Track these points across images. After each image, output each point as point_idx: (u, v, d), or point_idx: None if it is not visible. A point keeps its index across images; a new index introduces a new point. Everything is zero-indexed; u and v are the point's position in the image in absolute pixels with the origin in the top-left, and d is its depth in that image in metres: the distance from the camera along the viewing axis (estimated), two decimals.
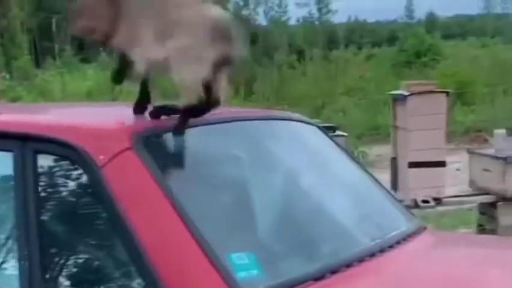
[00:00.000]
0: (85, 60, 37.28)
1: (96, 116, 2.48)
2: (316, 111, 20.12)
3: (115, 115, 2.51)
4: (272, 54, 39.27)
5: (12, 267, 2.10)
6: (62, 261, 2.07)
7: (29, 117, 2.38)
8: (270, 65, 34.12)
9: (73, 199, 2.10)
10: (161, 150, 2.10)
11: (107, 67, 25.05)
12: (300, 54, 36.56)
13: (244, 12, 57.88)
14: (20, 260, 2.05)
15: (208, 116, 2.22)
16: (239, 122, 2.52)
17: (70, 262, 2.07)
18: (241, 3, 57.74)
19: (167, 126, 2.16)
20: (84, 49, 49.62)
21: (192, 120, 2.17)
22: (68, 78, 24.89)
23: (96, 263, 2.04)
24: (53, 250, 2.06)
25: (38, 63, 36.09)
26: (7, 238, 2.14)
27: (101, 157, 1.95)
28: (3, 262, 2.15)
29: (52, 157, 2.07)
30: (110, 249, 2.02)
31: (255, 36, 48.89)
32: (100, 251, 2.04)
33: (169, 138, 2.14)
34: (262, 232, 2.28)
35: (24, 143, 2.07)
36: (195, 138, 2.24)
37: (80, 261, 2.06)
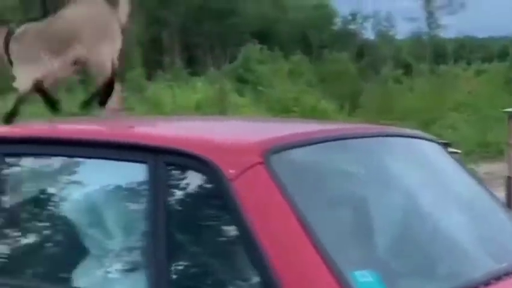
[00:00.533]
0: (194, 74, 38.04)
1: (226, 130, 2.55)
2: (425, 126, 19.76)
3: (245, 129, 2.58)
4: (378, 68, 38.93)
5: (139, 274, 2.17)
6: (188, 270, 2.12)
7: (161, 131, 2.47)
8: (376, 80, 33.81)
9: (202, 211, 2.16)
10: (290, 166, 2.13)
11: (215, 81, 25.55)
12: (407, 68, 36.08)
13: (352, 26, 57.76)
14: (147, 267, 2.12)
15: (334, 132, 2.25)
16: (364, 138, 2.53)
17: (196, 271, 2.12)
18: (350, 18, 57.69)
19: (296, 142, 2.20)
20: (193, 63, 50.66)
21: (318, 137, 2.23)
22: (177, 91, 25.45)
23: (221, 273, 2.08)
24: (180, 259, 2.11)
25: (148, 76, 37.10)
26: (137, 245, 2.22)
27: (232, 171, 2.00)
28: (131, 269, 2.23)
29: (184, 170, 2.13)
30: (236, 260, 2.05)
31: (361, 51, 48.65)
32: (225, 261, 2.08)
33: (297, 154, 2.18)
34: (383, 250, 2.27)
35: (158, 156, 2.15)
36: (321, 154, 2.28)
37: (206, 270, 2.10)
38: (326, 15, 57.27)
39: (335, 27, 58.46)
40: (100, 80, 2.90)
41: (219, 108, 19.30)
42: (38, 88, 3.02)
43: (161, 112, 20.40)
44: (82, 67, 3.09)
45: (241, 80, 34.74)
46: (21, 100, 2.98)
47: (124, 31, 2.99)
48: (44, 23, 3.02)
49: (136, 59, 42.32)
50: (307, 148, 2.26)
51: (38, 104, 3.05)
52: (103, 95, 2.93)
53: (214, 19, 55.85)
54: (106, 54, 2.91)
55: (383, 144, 2.63)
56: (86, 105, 2.98)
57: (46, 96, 3.04)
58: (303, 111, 24.62)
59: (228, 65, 40.54)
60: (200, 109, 21.77)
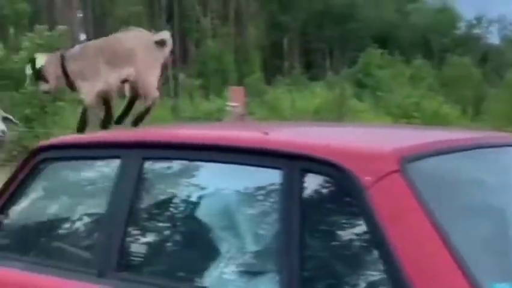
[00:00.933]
0: (313, 78, 38.20)
1: (361, 137, 2.56)
2: None
3: (379, 137, 2.58)
4: (503, 73, 37.76)
5: (271, 275, 2.20)
6: (320, 274, 2.13)
7: (296, 137, 2.49)
8: (501, 85, 32.83)
9: (336, 216, 2.17)
10: (425, 174, 2.11)
11: (334, 85, 25.62)
12: None
13: (477, 30, 56.27)
14: (279, 270, 2.14)
15: (468, 141, 2.23)
16: (499, 147, 2.50)
17: (328, 275, 2.12)
18: (474, 22, 56.24)
19: (432, 150, 2.19)
20: (312, 67, 50.82)
21: (453, 145, 2.21)
22: (296, 95, 25.63)
23: (353, 277, 2.08)
24: (312, 262, 2.13)
25: (268, 81, 37.56)
26: (269, 248, 2.25)
27: (367, 178, 2.00)
28: (262, 270, 2.27)
29: (319, 176, 2.15)
30: (368, 265, 2.04)
31: (485, 55, 47.36)
32: (358, 266, 2.07)
33: (432, 162, 2.16)
34: None
35: (293, 162, 2.17)
36: (456, 163, 2.25)
37: (338, 275, 2.10)
38: (449, 19, 56.10)
39: (458, 32, 57.16)
40: (147, 101, 3.25)
41: (338, 113, 19.29)
42: (104, 99, 3.38)
43: (281, 116, 20.60)
44: (130, 86, 3.47)
45: (360, 85, 34.66)
46: (86, 112, 3.36)
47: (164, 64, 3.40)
48: (101, 41, 3.42)
49: (256, 63, 42.99)
50: (443, 157, 2.24)
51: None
52: (142, 115, 3.32)
53: (335, 24, 55.86)
54: (153, 78, 3.29)
55: None
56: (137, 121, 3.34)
57: (109, 108, 3.36)
58: (424, 116, 24.23)
59: (347, 70, 40.52)
60: (319, 114, 21.84)
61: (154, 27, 49.71)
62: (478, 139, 2.58)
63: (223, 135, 2.61)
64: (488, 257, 2.07)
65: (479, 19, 56.87)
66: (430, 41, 53.81)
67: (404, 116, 24.41)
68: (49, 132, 19.31)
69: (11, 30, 32.42)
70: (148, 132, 2.85)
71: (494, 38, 56.83)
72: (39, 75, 3.45)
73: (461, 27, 58.12)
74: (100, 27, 48.12)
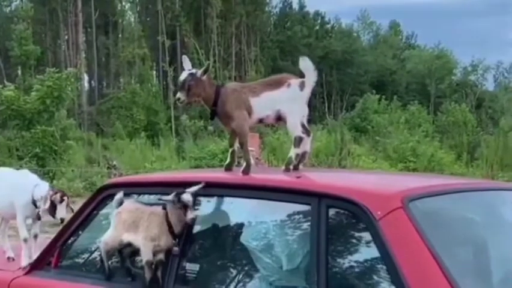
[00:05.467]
0: (311, 122, 38.61)
1: (374, 181, 3.22)
2: None
3: (387, 181, 3.22)
4: (497, 119, 38.46)
5: None
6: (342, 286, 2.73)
7: (322, 180, 3.12)
8: (495, 131, 33.44)
9: (354, 243, 2.78)
10: (423, 210, 2.72)
11: (333, 129, 26.05)
12: None
13: (472, 77, 57.09)
14: (309, 285, 2.73)
15: (458, 186, 2.87)
16: (484, 191, 3.15)
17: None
18: (470, 69, 57.08)
19: (428, 192, 2.85)
20: (310, 111, 50.92)
21: (445, 189, 2.86)
22: None
23: None
24: (335, 280, 2.71)
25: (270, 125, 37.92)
26: (300, 268, 2.84)
27: (379, 212, 2.62)
28: (294, 286, 2.86)
29: (340, 211, 2.78)
30: (381, 280, 2.62)
31: (481, 101, 48.06)
32: (371, 281, 2.65)
33: (429, 202, 2.80)
34: (496, 280, 2.83)
35: (320, 199, 2.80)
36: (448, 202, 2.91)
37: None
38: (445, 65, 56.92)
39: (454, 78, 58.06)
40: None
41: (338, 156, 19.80)
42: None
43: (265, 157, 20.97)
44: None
45: (358, 129, 35.20)
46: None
47: None
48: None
49: None
50: (437, 197, 2.89)
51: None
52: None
53: (333, 69, 56.73)
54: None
55: (500, 196, 3.22)
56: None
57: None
58: (420, 161, 24.81)
59: (345, 114, 41.17)
60: (318, 157, 22.32)
61: (157, 69, 50.02)
62: (465, 184, 3.23)
63: (261, 178, 3.24)
64: (471, 275, 2.70)
65: (474, 66, 57.87)
66: (427, 87, 54.65)
67: (401, 160, 24.99)
68: (59, 170, 19.98)
69: (19, 71, 33.22)
70: (196, 174, 3.42)
71: (489, 85, 57.86)
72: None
73: (457, 74, 59.07)
74: (103, 68, 48.90)
